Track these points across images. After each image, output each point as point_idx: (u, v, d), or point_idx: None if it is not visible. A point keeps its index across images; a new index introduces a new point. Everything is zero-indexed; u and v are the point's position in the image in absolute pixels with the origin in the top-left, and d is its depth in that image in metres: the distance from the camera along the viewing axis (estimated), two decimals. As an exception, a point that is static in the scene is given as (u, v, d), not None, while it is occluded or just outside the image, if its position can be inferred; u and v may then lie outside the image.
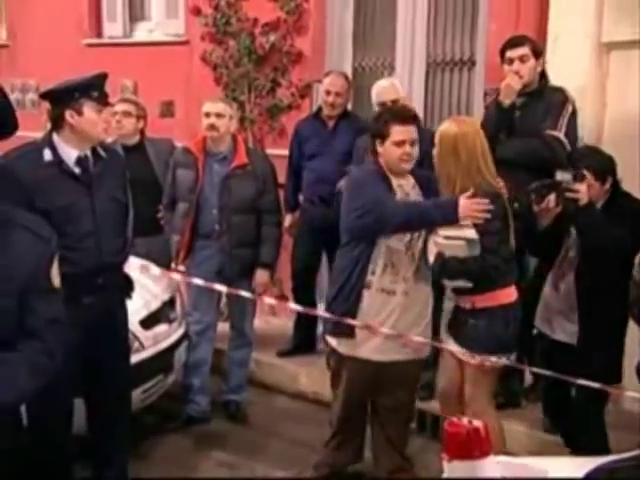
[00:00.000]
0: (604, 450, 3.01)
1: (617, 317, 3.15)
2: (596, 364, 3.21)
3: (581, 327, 3.28)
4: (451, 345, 3.39)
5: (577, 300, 3.28)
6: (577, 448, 3.34)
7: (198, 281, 4.07)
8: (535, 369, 3.73)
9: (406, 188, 3.44)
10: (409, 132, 3.37)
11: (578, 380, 3.17)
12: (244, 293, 4.10)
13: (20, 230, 2.07)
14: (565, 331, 3.37)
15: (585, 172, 3.21)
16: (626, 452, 2.32)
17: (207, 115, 4.24)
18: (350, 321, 3.40)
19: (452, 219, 3.18)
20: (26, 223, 2.09)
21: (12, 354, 2.07)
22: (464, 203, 3.17)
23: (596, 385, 3.11)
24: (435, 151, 3.31)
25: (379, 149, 3.41)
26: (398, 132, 3.35)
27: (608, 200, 3.29)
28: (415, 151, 3.38)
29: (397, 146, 3.35)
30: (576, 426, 3.38)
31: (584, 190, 3.12)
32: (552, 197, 3.19)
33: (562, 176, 3.15)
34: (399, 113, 3.47)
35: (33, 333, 2.09)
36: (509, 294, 3.31)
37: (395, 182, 3.42)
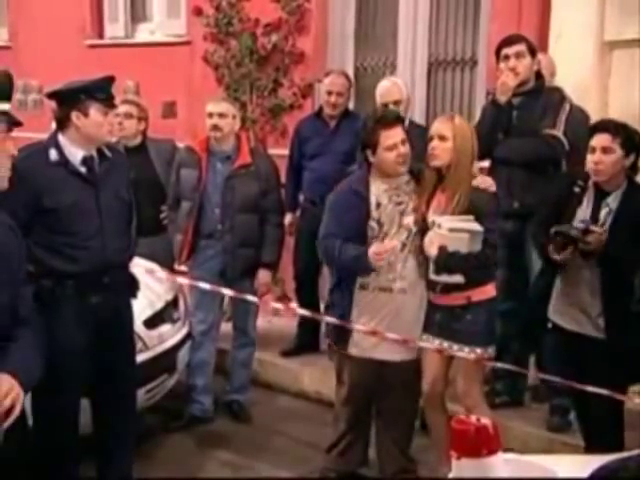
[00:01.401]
0: (619, 449, 2.98)
1: None
2: (620, 359, 3.20)
3: (605, 322, 3.26)
4: (436, 344, 3.38)
5: (601, 296, 3.26)
6: (593, 446, 3.32)
7: (204, 285, 4.07)
8: (545, 375, 3.73)
9: (403, 188, 3.44)
10: (397, 134, 3.38)
11: (587, 386, 3.16)
12: (249, 297, 4.11)
13: (6, 227, 2.28)
14: (585, 324, 3.33)
15: (615, 139, 3.19)
16: (632, 450, 2.33)
17: (210, 115, 4.24)
18: (357, 327, 3.42)
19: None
20: (7, 222, 2.30)
21: (20, 341, 2.21)
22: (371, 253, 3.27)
23: (604, 391, 3.11)
24: (448, 145, 3.28)
25: (372, 159, 3.44)
26: (387, 137, 3.37)
27: (625, 192, 3.26)
28: (407, 149, 3.39)
29: (390, 150, 3.37)
30: (594, 423, 3.37)
31: (595, 240, 3.12)
32: (571, 250, 3.18)
33: (575, 232, 3.17)
34: (383, 118, 3.49)
35: (25, 319, 2.27)
36: (493, 288, 3.39)
37: (385, 186, 3.42)
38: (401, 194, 3.44)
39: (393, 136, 3.36)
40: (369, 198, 3.42)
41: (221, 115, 4.23)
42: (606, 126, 3.27)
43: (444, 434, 3.30)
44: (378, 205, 3.41)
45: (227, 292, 4.17)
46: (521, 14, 4.67)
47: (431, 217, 3.32)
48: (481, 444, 1.69)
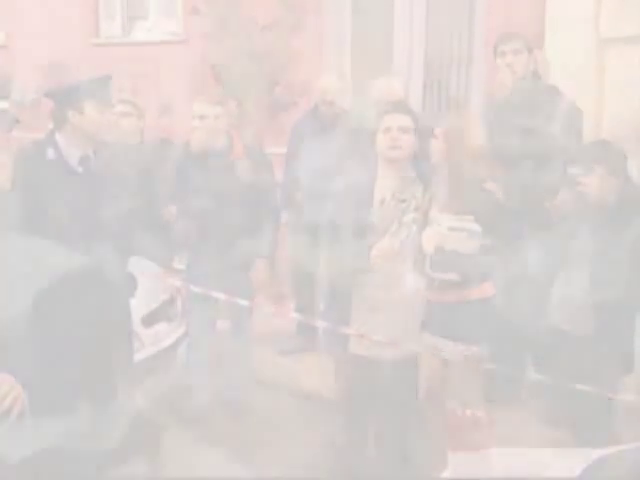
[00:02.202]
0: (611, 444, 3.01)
1: (632, 307, 3.19)
2: (611, 354, 3.22)
3: (596, 318, 3.27)
4: (436, 342, 3.39)
5: (592, 291, 3.27)
6: (583, 441, 3.33)
7: (196, 289, 4.08)
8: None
9: (408, 186, 3.44)
10: (395, 119, 3.40)
11: (580, 385, 3.17)
12: (242, 302, 4.12)
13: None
14: (579, 322, 3.35)
15: (596, 166, 3.18)
16: (624, 445, 2.35)
17: (193, 117, 4.25)
18: (352, 331, 3.44)
19: None
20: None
21: None
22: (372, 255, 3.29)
23: (597, 389, 3.12)
24: (442, 145, 3.31)
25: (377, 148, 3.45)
26: (385, 120, 3.41)
27: (621, 194, 3.28)
28: (406, 139, 3.38)
29: (384, 133, 3.39)
30: (585, 422, 3.39)
31: (594, 183, 3.10)
32: (566, 195, 3.16)
33: (572, 170, 3.14)
34: (389, 107, 3.51)
35: None
36: (491, 286, 3.38)
37: (391, 182, 3.42)
38: (405, 192, 3.44)
39: (389, 120, 3.39)
40: (373, 193, 3.42)
41: (202, 117, 4.22)
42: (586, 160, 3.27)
43: (442, 432, 3.32)
44: (382, 201, 3.42)
45: (220, 295, 4.18)
46: (517, 11, 4.68)
47: (432, 214, 3.34)
48: (477, 438, 1.71)
